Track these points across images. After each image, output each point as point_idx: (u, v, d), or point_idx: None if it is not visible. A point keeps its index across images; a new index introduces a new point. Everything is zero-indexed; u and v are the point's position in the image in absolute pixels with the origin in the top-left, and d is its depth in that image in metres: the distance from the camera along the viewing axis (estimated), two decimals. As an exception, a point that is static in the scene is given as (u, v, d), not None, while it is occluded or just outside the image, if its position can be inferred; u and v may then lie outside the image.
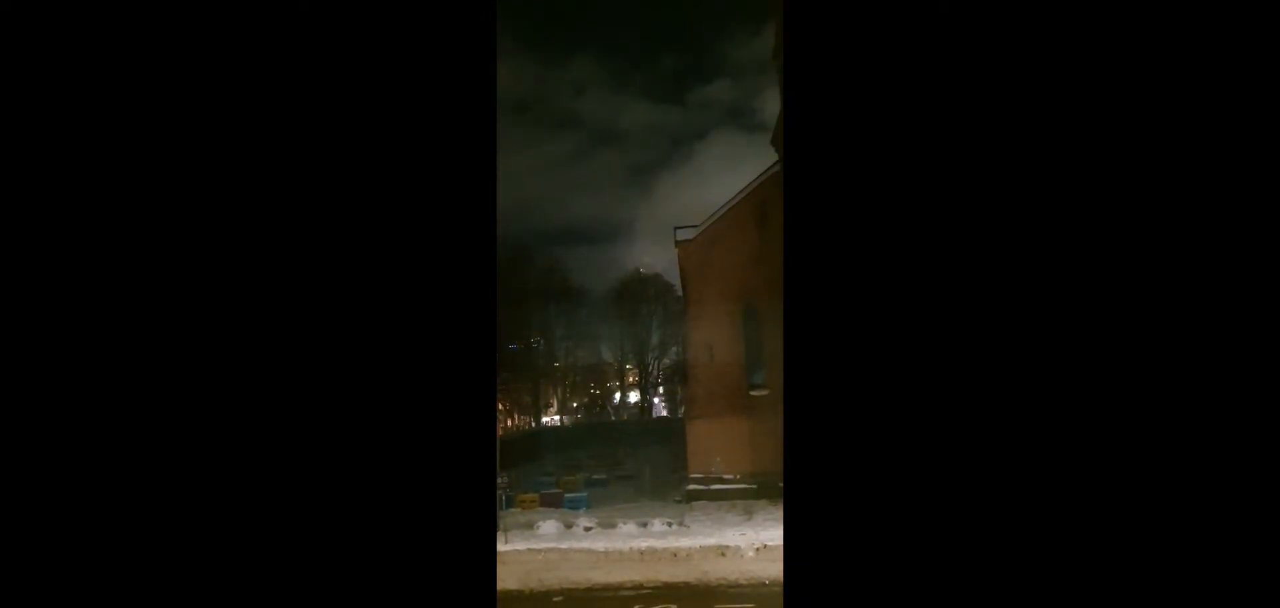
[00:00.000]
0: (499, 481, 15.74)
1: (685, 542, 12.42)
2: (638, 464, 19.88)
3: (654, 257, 29.48)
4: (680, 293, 20.93)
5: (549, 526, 13.77)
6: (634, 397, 31.83)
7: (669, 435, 20.99)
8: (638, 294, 29.72)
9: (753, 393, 16.51)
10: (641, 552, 12.18)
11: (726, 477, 16.28)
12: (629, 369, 31.24)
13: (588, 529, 13.49)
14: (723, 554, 11.89)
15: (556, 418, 30.68)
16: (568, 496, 16.22)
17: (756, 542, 12.11)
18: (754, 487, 15.63)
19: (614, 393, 32.81)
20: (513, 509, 15.57)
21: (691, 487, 16.29)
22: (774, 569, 10.71)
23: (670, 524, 13.55)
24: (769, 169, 17.54)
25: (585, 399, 32.70)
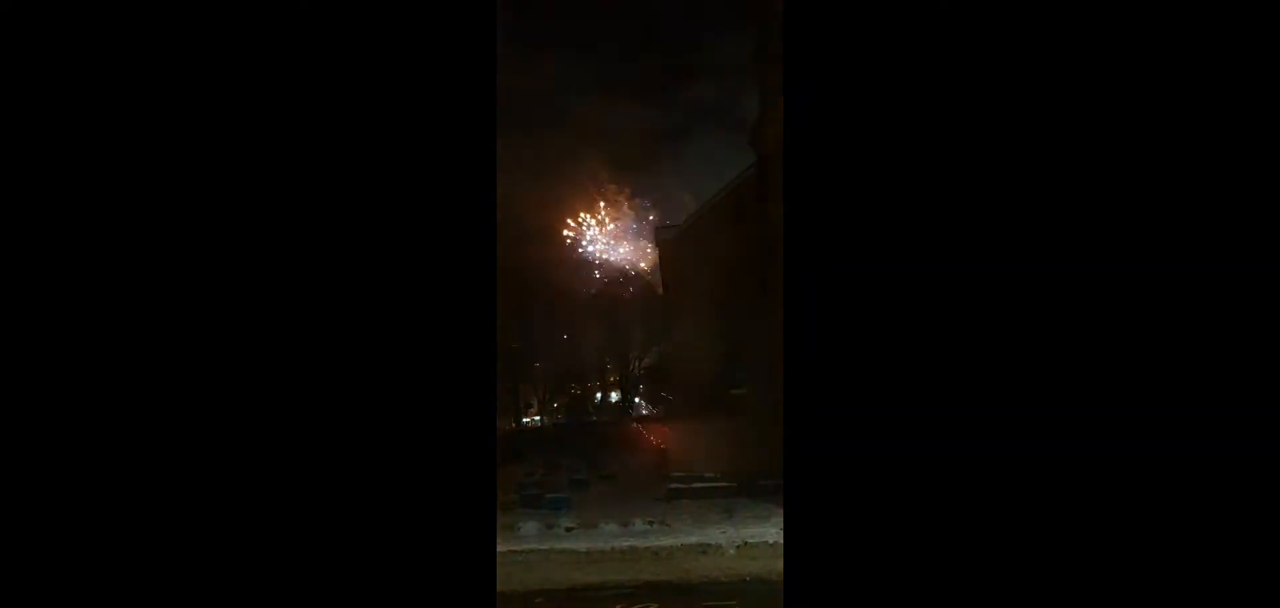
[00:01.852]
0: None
1: (667, 541, 12.39)
2: (619, 465, 19.70)
3: (636, 255, 29.41)
4: (661, 292, 20.99)
5: (529, 526, 13.65)
6: (615, 396, 31.87)
7: (650, 435, 20.95)
8: (619, 293, 29.66)
9: (733, 391, 16.61)
10: (623, 551, 12.13)
11: (707, 475, 16.35)
12: (610, 368, 31.23)
13: (569, 530, 13.39)
14: (705, 553, 11.93)
15: (537, 418, 30.55)
16: (548, 496, 16.07)
17: (738, 539, 12.17)
18: (735, 485, 15.72)
19: (595, 392, 32.65)
20: (493, 510, 15.49)
21: (673, 486, 16.26)
22: (755, 566, 10.79)
23: (652, 523, 13.47)
24: (747, 169, 17.65)
25: (566, 399, 32.45)
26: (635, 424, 25.89)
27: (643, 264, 28.46)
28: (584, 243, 29.65)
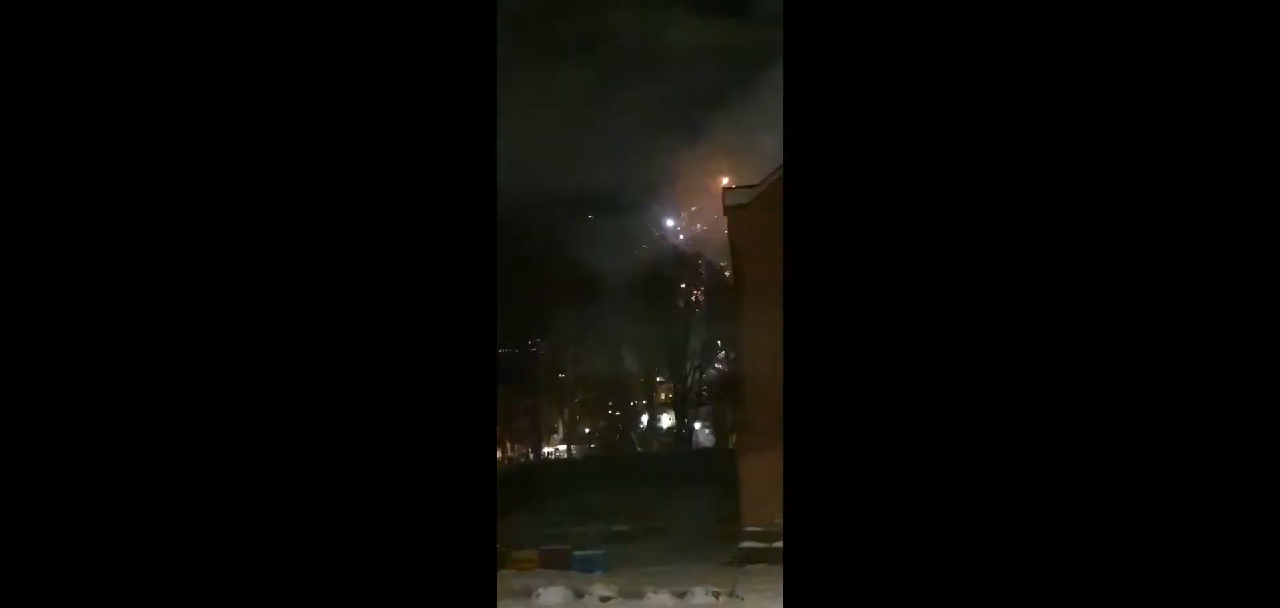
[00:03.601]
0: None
1: (738, 619, 12.26)
2: (672, 512, 20.01)
3: (697, 227, 29.17)
4: (730, 277, 20.72)
5: (553, 594, 13.48)
6: (666, 420, 31.56)
7: (714, 472, 20.87)
8: (674, 280, 29.16)
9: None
10: (679, 631, 12.18)
11: (794, 529, 15.42)
12: (660, 382, 30.88)
13: (605, 600, 13.29)
14: (792, 639, 11.13)
15: (562, 447, 30.41)
16: (577, 553, 16.24)
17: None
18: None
19: (640, 414, 32.71)
20: (504, 571, 14.96)
21: (747, 544, 15.96)
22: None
23: (717, 594, 13.20)
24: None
25: (601, 423, 32.62)
26: (693, 458, 25.69)
27: (705, 238, 28.09)
28: (623, 209, 29.53)
